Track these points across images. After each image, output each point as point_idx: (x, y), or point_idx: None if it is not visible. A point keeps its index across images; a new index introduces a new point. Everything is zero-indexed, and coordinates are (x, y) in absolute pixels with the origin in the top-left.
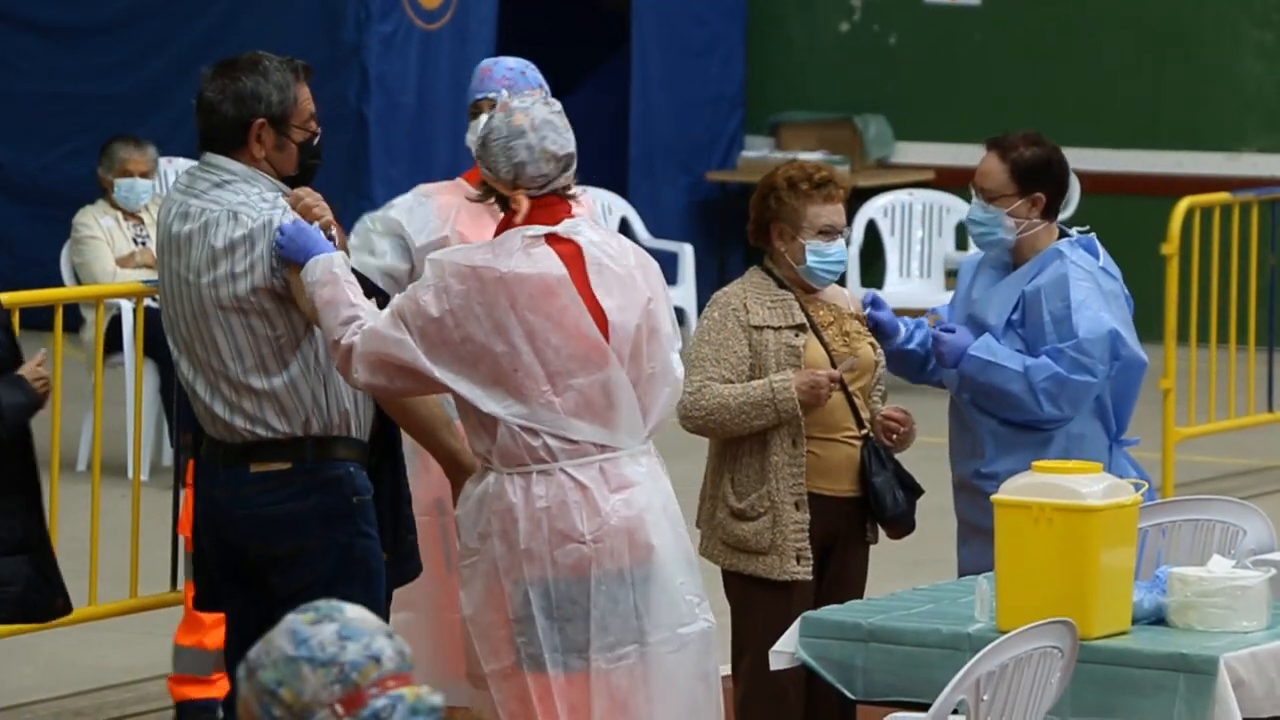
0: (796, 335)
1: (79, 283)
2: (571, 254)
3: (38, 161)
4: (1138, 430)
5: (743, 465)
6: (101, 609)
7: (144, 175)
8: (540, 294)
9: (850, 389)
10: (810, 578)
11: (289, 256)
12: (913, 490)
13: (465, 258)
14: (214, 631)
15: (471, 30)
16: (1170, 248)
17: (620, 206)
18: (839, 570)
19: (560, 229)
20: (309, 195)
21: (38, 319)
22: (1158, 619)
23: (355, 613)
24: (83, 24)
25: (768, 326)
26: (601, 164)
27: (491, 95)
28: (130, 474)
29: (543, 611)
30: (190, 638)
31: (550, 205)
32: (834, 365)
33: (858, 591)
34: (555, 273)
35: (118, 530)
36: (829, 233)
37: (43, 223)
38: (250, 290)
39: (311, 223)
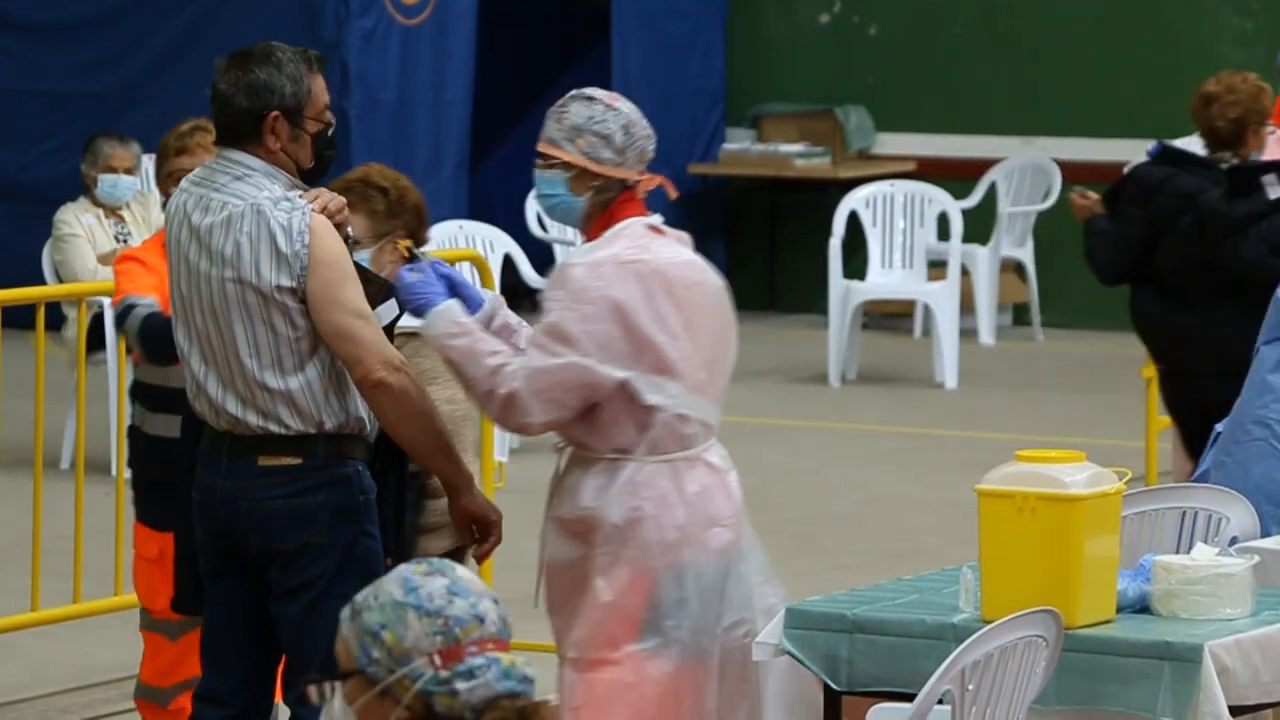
0: None
1: (60, 281)
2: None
3: (18, 159)
4: (1120, 419)
5: None
6: (85, 607)
7: (128, 171)
8: (690, 283)
9: None
10: None
11: (409, 301)
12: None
13: (614, 256)
14: None
15: (451, 25)
16: None
17: None
18: None
19: (654, 219)
20: (328, 196)
21: (19, 317)
22: (1142, 607)
23: (465, 573)
24: (62, 21)
25: None
26: None
27: None
28: (113, 472)
29: (697, 595)
30: None
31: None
32: None
33: None
34: (690, 259)
35: (101, 528)
36: None
37: (23, 221)
38: (275, 289)
39: (338, 226)
